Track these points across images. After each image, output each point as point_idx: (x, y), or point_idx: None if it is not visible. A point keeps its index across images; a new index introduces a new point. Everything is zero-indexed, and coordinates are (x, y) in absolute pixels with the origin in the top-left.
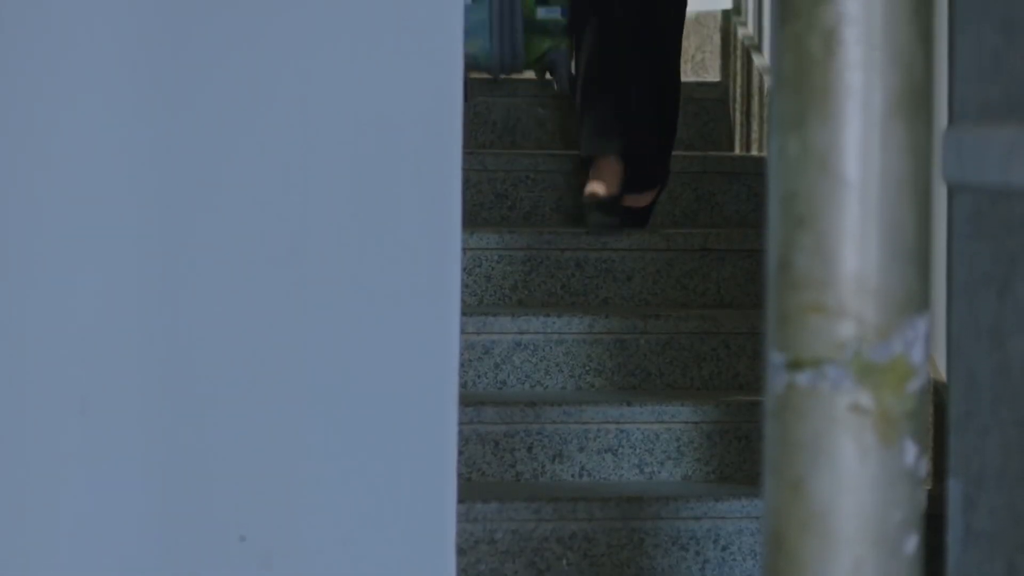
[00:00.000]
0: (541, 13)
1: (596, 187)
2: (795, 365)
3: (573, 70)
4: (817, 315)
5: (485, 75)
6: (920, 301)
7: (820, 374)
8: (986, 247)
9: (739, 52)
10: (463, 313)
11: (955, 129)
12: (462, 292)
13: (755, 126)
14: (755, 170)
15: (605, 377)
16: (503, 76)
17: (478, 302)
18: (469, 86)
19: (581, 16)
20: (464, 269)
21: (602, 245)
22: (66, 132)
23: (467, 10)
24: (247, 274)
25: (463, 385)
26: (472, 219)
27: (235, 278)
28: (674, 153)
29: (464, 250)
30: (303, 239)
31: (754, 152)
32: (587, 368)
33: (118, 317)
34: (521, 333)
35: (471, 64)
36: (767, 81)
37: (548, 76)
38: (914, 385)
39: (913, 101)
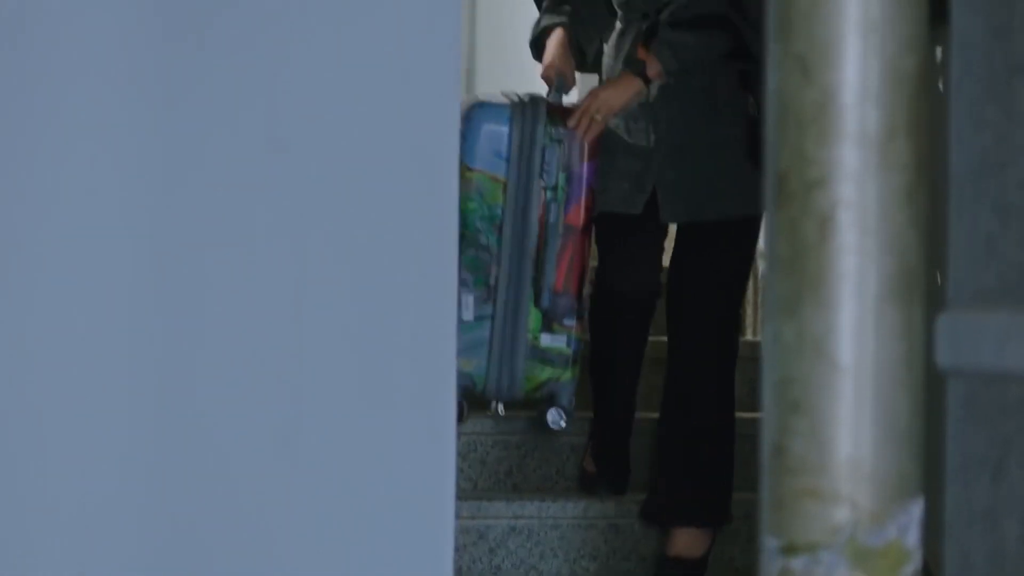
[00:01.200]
0: (545, 340)
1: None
2: (790, 550)
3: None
4: (812, 500)
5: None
6: (914, 485)
7: (815, 559)
8: (981, 431)
9: None
10: (458, 498)
11: (950, 314)
12: (457, 477)
13: (749, 311)
14: (750, 355)
15: (600, 562)
16: (498, 403)
17: (473, 487)
18: (463, 408)
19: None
20: (459, 454)
21: None
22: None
23: (468, 328)
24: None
25: (458, 570)
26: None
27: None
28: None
29: (459, 435)
30: (296, 416)
31: (748, 337)
32: (582, 553)
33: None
34: (516, 518)
35: (467, 385)
36: (762, 266)
37: (548, 411)
38: (908, 569)
39: (907, 286)
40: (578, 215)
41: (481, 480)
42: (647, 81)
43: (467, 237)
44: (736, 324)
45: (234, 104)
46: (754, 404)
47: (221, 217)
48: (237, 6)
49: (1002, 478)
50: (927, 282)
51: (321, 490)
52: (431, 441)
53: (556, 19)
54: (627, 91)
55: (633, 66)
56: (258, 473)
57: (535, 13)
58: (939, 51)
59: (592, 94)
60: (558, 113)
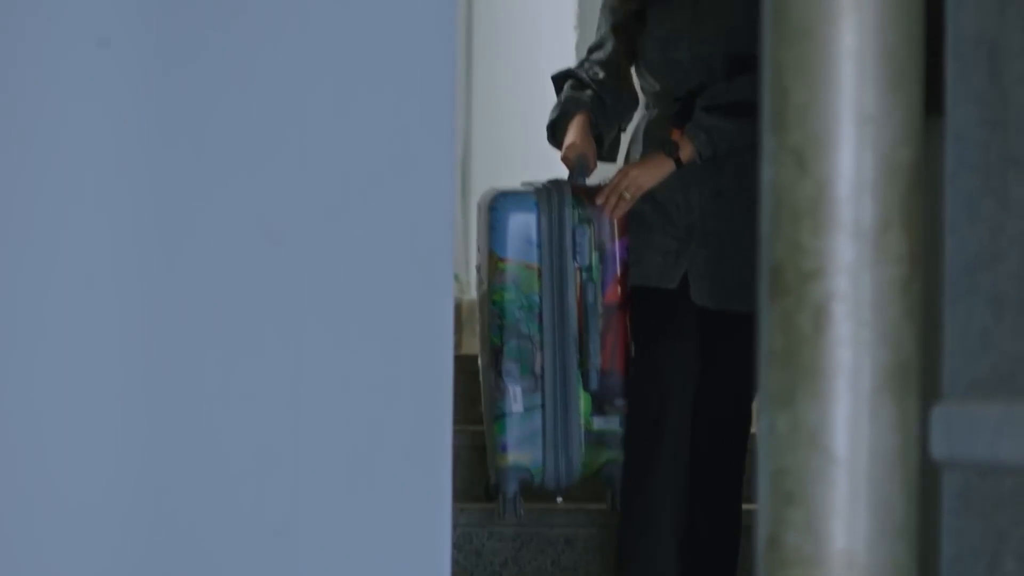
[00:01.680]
0: (598, 423)
1: None
2: None
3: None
4: None
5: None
6: None
7: None
8: (975, 523)
9: None
10: None
11: (944, 405)
12: (452, 568)
13: None
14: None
15: None
16: (559, 492)
17: None
18: (519, 503)
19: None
20: (454, 545)
21: (591, 522)
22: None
23: (519, 420)
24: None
25: None
26: (463, 495)
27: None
28: None
29: (454, 527)
30: (294, 516)
31: None
32: None
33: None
34: None
35: (525, 478)
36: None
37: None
38: None
39: (901, 377)
40: (615, 293)
41: (476, 571)
42: (679, 163)
43: (507, 328)
44: (747, 420)
45: (226, 194)
46: (749, 496)
47: (215, 287)
48: (234, 65)
49: (997, 570)
50: (922, 373)
51: None
52: (426, 533)
53: (577, 103)
54: (658, 171)
55: (666, 147)
56: (253, 557)
57: (532, 100)
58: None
59: (622, 172)
60: (583, 193)
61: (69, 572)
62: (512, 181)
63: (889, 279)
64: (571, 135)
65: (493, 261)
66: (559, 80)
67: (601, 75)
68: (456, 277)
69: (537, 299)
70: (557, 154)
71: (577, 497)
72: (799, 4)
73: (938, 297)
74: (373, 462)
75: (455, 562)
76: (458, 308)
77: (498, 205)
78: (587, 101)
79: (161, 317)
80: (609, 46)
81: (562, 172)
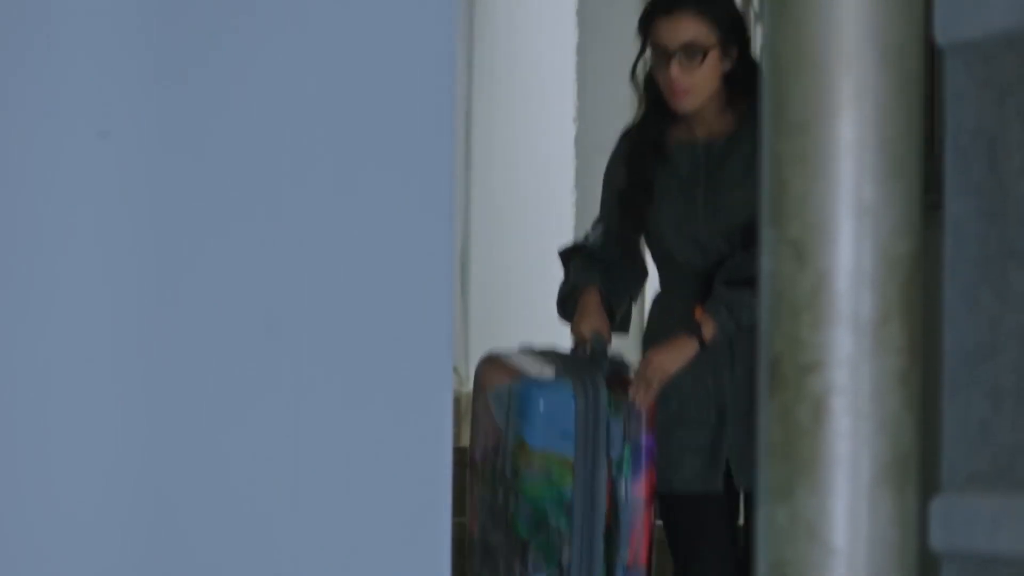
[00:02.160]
0: None
1: None
2: None
3: None
4: None
5: None
6: None
7: None
8: None
9: None
10: None
11: (943, 497)
12: None
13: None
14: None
15: None
16: None
17: None
18: None
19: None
20: None
21: None
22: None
23: None
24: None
25: None
26: None
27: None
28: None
29: None
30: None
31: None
32: None
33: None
34: None
35: None
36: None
37: None
38: None
39: (900, 469)
40: (642, 487)
41: None
42: (703, 343)
43: (536, 521)
44: None
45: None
46: None
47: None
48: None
49: None
50: (921, 464)
51: None
52: None
53: (587, 277)
54: (682, 355)
55: (690, 327)
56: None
57: (529, 194)
58: None
59: (647, 360)
60: (616, 383)
61: None
62: (508, 277)
63: (888, 371)
64: (584, 311)
65: (524, 450)
66: (566, 255)
67: (609, 249)
68: (455, 370)
69: (569, 493)
70: (550, 237)
71: None
72: (797, 97)
73: (937, 388)
74: (370, 558)
75: None
76: (457, 401)
77: (531, 395)
78: (597, 275)
79: (152, 404)
80: (615, 219)
81: (556, 314)
